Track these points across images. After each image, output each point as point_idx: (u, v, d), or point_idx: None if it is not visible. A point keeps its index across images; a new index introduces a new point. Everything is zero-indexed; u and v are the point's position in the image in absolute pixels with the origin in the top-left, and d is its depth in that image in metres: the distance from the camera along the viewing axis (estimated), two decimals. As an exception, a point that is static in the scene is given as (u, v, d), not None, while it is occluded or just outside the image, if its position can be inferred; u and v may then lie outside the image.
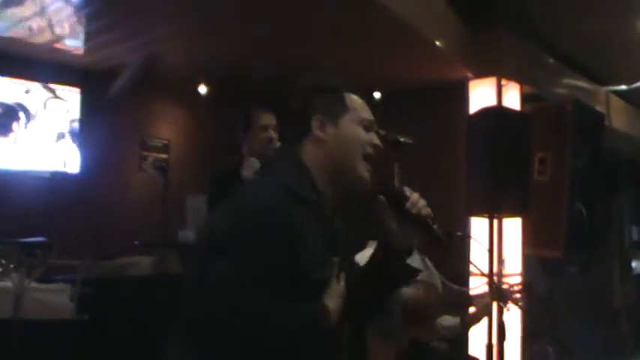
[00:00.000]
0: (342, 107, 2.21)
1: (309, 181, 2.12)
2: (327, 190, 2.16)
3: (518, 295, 3.99)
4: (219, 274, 1.88)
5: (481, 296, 4.21)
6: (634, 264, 10.01)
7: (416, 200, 2.18)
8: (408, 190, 2.21)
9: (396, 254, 2.17)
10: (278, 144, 3.96)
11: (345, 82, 2.28)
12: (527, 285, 4.22)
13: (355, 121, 2.20)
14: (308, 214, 2.02)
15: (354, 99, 2.25)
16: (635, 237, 10.32)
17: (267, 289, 1.86)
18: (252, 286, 1.85)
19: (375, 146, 2.21)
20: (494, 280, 4.42)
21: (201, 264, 1.98)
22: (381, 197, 2.20)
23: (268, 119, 4.07)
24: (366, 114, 2.24)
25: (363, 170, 2.16)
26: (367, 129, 2.22)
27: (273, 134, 4.03)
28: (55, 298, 4.88)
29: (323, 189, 2.15)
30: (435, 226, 2.14)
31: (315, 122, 2.17)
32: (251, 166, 3.84)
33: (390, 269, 2.17)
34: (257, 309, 1.86)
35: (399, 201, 2.18)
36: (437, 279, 4.35)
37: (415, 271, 2.24)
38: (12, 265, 2.74)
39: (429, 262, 4.39)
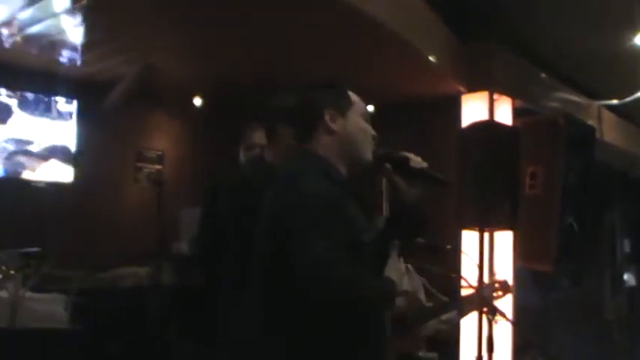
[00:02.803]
0: (348, 101, 2.50)
1: (331, 167, 2.38)
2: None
3: (497, 294, 4.05)
4: (309, 252, 2.07)
5: (466, 297, 4.25)
6: (625, 276, 10.06)
7: (414, 157, 2.54)
8: (404, 153, 2.54)
9: (409, 207, 2.52)
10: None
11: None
12: (503, 283, 4.29)
13: (359, 113, 2.50)
14: (343, 193, 2.29)
15: (353, 95, 2.54)
16: (626, 249, 10.36)
17: (350, 260, 2.12)
18: (340, 259, 2.09)
19: (374, 136, 2.51)
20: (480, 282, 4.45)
21: (267, 251, 2.24)
22: (387, 165, 2.52)
23: (256, 137, 4.08)
24: (365, 108, 2.55)
25: (369, 154, 2.48)
26: (367, 120, 2.52)
27: (258, 151, 4.02)
28: (49, 308, 4.90)
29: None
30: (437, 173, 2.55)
31: (327, 115, 2.41)
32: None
33: (408, 221, 2.53)
34: (353, 280, 2.12)
35: (403, 162, 2.53)
36: (421, 290, 4.40)
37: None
38: (12, 272, 2.79)
39: (411, 269, 4.43)
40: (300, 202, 2.16)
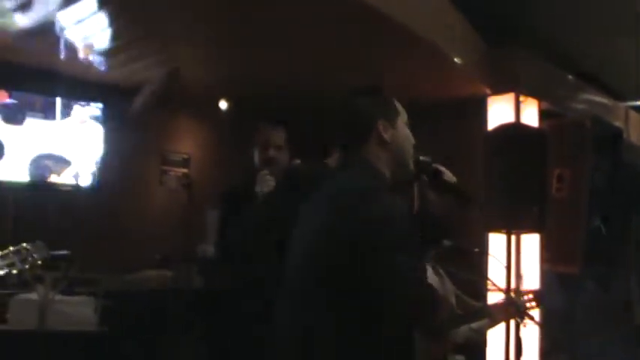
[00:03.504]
0: (396, 110, 2.47)
1: (385, 178, 2.38)
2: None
3: (531, 304, 4.01)
4: (397, 272, 2.13)
5: (499, 305, 4.22)
6: (654, 279, 9.96)
7: (447, 171, 2.63)
8: (439, 167, 2.62)
9: (437, 219, 2.66)
10: (286, 161, 3.86)
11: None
12: (537, 294, 4.24)
13: (405, 123, 2.48)
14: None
15: (397, 102, 2.50)
16: (654, 252, 10.26)
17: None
18: (420, 278, 2.26)
19: (413, 144, 2.50)
20: (511, 296, 4.42)
21: (331, 263, 2.19)
22: (424, 177, 2.61)
23: (271, 136, 3.90)
24: (405, 115, 2.51)
25: (412, 163, 2.49)
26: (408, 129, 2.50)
27: (273, 153, 3.86)
28: (79, 311, 4.94)
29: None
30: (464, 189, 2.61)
31: (380, 126, 2.38)
32: (264, 181, 3.73)
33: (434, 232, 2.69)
34: (428, 296, 2.26)
35: (437, 175, 2.62)
36: (451, 291, 4.38)
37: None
38: (39, 262, 2.80)
39: (443, 274, 4.41)
40: (383, 221, 2.16)
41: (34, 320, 4.60)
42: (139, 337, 5.67)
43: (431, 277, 4.33)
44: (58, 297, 4.78)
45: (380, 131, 2.37)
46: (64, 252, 5.22)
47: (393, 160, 2.39)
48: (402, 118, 2.48)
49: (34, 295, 4.70)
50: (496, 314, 4.13)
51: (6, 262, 2.80)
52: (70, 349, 4.75)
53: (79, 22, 5.35)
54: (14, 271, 2.82)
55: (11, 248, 2.81)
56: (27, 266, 2.82)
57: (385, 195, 2.24)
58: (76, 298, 5.03)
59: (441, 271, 4.35)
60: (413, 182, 2.63)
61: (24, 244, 2.87)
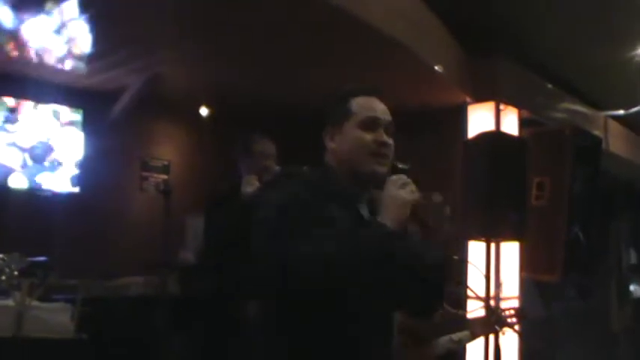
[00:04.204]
0: (346, 114, 2.35)
1: (335, 179, 2.30)
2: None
3: (512, 319, 4.01)
4: (296, 243, 2.03)
5: (480, 319, 4.23)
6: (632, 287, 10.04)
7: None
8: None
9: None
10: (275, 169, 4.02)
11: (361, 87, 2.45)
12: (520, 309, 4.24)
13: (355, 125, 2.32)
14: (334, 203, 2.16)
15: (360, 101, 2.38)
16: (632, 260, 10.35)
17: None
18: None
19: (380, 143, 2.31)
20: (491, 304, 4.44)
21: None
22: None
23: (267, 147, 4.19)
24: (370, 112, 2.35)
25: (373, 165, 2.28)
26: (371, 127, 2.32)
27: (268, 163, 4.11)
28: (56, 317, 4.90)
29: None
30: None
31: (325, 133, 2.37)
32: (250, 184, 3.98)
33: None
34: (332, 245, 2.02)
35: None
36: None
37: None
38: (16, 272, 2.80)
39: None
40: (277, 207, 2.14)
41: (10, 327, 4.56)
42: (119, 344, 5.64)
43: None
44: (35, 303, 4.74)
45: (324, 138, 2.37)
46: (42, 258, 5.20)
47: (342, 165, 2.31)
48: (356, 118, 2.33)
49: (10, 302, 4.66)
50: (477, 327, 4.15)
51: None
52: (47, 356, 4.70)
53: (61, 26, 5.33)
54: None
55: None
56: (4, 277, 2.81)
57: (288, 185, 2.22)
58: (53, 305, 4.98)
59: None
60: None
61: (0, 255, 2.86)
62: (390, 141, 2.35)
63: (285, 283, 2.05)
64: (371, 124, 2.33)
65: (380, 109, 2.39)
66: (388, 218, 2.17)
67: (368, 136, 2.30)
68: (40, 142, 6.51)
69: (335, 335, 2.11)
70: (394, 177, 2.27)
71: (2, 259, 2.86)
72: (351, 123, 2.33)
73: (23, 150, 6.40)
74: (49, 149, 6.57)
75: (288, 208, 2.11)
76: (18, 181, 6.36)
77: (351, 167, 2.29)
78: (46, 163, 6.55)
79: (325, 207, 2.12)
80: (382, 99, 2.45)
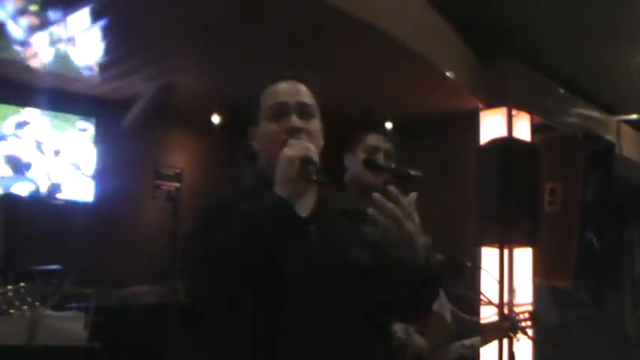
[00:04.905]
0: (257, 109, 2.13)
1: (260, 180, 2.07)
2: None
3: (526, 324, 3.99)
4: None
5: (492, 324, 4.21)
6: (645, 292, 9.98)
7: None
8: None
9: None
10: None
11: (270, 75, 2.19)
12: (534, 314, 4.21)
13: (264, 117, 2.09)
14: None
15: (268, 91, 2.13)
16: (646, 265, 10.29)
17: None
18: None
19: (289, 130, 2.02)
20: (505, 311, 4.42)
21: None
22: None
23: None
24: (274, 100, 2.09)
25: (285, 151, 1.92)
26: (278, 116, 2.06)
27: None
28: (69, 326, 4.90)
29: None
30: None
31: (249, 136, 2.18)
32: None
33: None
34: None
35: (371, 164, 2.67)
36: (447, 310, 4.36)
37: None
38: (29, 299, 2.78)
39: (441, 292, 4.40)
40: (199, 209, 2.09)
41: (24, 335, 4.57)
42: (132, 353, 5.64)
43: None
44: (49, 312, 4.75)
45: (250, 141, 2.18)
46: (55, 267, 5.21)
47: (268, 164, 2.01)
48: (265, 109, 2.10)
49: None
50: (489, 332, 4.13)
51: (4, 298, 2.79)
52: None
53: (74, 35, 5.35)
54: (11, 311, 2.83)
55: (10, 287, 2.78)
56: (25, 307, 2.81)
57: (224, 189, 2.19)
58: (66, 313, 4.99)
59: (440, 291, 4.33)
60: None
61: (22, 284, 2.86)
62: (307, 124, 2.06)
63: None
64: (278, 111, 2.07)
65: (287, 92, 2.11)
66: (277, 183, 1.89)
67: (276, 127, 2.05)
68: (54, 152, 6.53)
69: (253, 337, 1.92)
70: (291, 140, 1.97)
71: (23, 288, 2.83)
72: (262, 117, 2.10)
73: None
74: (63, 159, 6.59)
75: (200, 213, 2.06)
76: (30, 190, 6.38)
77: (272, 164, 1.96)
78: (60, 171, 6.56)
79: (232, 209, 1.93)
80: (304, 82, 2.17)
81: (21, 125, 6.34)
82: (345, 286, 1.93)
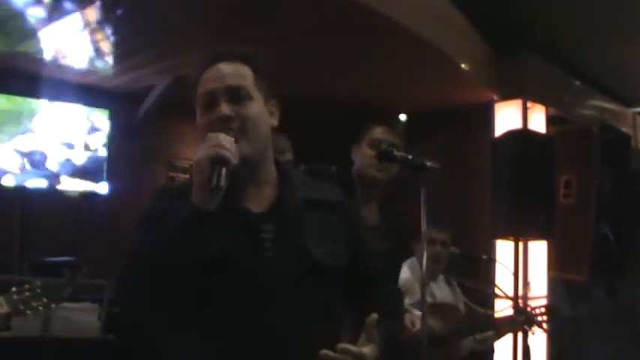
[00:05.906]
0: (196, 96, 1.94)
1: None
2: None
3: (542, 318, 3.98)
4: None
5: (506, 319, 4.20)
6: (662, 286, 9.92)
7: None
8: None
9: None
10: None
11: (200, 61, 2.00)
12: (550, 307, 4.19)
13: (198, 106, 1.92)
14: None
15: (202, 78, 1.94)
16: (662, 259, 10.22)
17: None
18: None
19: (217, 119, 1.85)
20: (519, 304, 4.41)
21: None
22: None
23: (281, 142, 4.04)
24: (202, 88, 1.92)
25: (197, 152, 1.75)
26: (209, 105, 1.89)
27: (282, 158, 4.01)
28: (83, 318, 4.92)
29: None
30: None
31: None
32: None
33: None
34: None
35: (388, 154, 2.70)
36: (461, 302, 4.36)
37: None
38: (45, 299, 2.79)
39: (455, 284, 4.39)
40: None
41: (38, 326, 4.58)
42: (145, 345, 5.65)
43: (443, 286, 4.33)
44: (63, 303, 4.76)
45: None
46: (69, 258, 5.22)
47: None
48: (198, 99, 1.92)
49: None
50: (503, 327, 4.12)
51: (20, 298, 2.80)
52: (74, 356, 4.73)
53: (87, 27, 5.35)
54: (28, 312, 2.84)
55: (26, 286, 2.79)
56: (40, 307, 2.82)
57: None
58: (80, 305, 5.01)
59: (453, 281, 4.33)
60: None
61: (38, 283, 2.86)
62: (241, 108, 1.87)
63: None
64: (208, 101, 1.89)
65: (215, 77, 1.91)
66: (193, 188, 1.75)
67: (207, 118, 1.88)
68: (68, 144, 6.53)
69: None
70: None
71: (38, 287, 2.81)
72: (198, 105, 1.92)
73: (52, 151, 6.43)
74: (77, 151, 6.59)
75: (144, 211, 2.08)
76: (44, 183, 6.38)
77: None
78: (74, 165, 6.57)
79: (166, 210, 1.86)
80: (244, 60, 2.01)
81: (35, 118, 6.34)
82: (303, 286, 1.84)
